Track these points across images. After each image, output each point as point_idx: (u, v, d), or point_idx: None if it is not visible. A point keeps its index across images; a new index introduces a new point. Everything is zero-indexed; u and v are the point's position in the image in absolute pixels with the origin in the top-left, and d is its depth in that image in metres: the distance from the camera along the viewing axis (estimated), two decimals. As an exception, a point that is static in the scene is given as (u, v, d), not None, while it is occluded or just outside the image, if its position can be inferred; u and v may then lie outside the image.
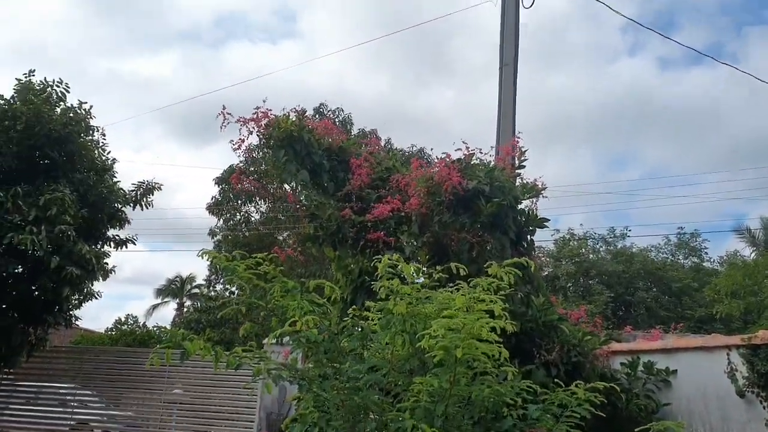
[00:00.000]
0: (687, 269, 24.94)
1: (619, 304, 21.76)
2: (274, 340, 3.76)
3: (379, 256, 3.65)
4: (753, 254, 23.08)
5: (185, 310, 31.84)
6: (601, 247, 24.98)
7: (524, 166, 6.33)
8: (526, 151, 6.26)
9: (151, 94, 44.84)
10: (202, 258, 3.88)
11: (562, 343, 5.58)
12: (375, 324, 3.87)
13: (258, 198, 24.56)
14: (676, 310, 21.30)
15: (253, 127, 6.54)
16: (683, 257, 26.21)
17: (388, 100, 42.01)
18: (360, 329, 3.80)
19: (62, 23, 47.13)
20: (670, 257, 25.85)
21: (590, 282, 22.81)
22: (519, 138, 6.29)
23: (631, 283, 22.15)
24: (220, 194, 24.87)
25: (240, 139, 6.52)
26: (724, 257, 25.83)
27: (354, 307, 3.90)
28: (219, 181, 24.40)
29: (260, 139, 6.66)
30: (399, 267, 3.53)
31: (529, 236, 6.25)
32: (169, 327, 26.47)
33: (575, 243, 24.30)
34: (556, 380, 3.81)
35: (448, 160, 5.85)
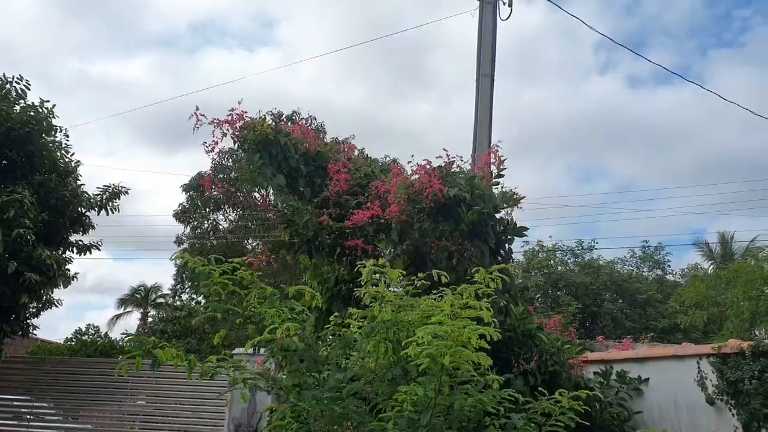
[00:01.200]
0: (651, 281, 25.57)
1: (586, 315, 22.10)
2: (251, 349, 3.62)
3: (363, 262, 3.56)
4: (711, 267, 23.88)
5: (150, 320, 30.91)
6: (569, 259, 25.40)
7: (503, 175, 6.33)
8: (505, 160, 6.27)
9: (121, 98, 43.74)
10: (176, 262, 3.72)
11: (540, 353, 5.56)
12: (355, 332, 3.77)
13: (227, 206, 24.21)
14: (641, 320, 21.76)
15: (228, 130, 6.38)
16: (647, 270, 26.87)
17: (362, 110, 42.10)
18: (339, 337, 3.69)
19: (31, 22, 45.63)
20: (635, 269, 26.49)
21: (558, 293, 23.12)
22: (499, 147, 6.29)
23: (598, 294, 22.54)
24: (187, 201, 24.34)
25: (213, 141, 6.35)
26: (686, 270, 26.64)
27: (336, 314, 3.79)
28: (187, 188, 23.89)
29: (235, 142, 6.50)
30: (385, 271, 3.43)
31: (507, 245, 6.25)
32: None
33: (544, 255, 24.63)
34: (540, 389, 3.77)
35: (428, 167, 5.81)
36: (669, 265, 27.12)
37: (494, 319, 3.12)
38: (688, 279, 24.72)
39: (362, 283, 3.62)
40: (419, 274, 3.89)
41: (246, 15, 52.76)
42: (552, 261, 24.81)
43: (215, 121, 6.23)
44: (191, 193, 24.01)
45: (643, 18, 49.27)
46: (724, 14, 53.83)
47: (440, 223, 5.66)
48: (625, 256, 26.83)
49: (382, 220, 6.00)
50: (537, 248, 24.78)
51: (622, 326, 20.99)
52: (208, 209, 24.78)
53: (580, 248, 25.47)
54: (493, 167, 6.38)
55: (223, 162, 23.57)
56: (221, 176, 21.92)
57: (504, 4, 10.35)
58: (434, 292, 3.75)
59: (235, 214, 25.23)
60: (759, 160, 43.10)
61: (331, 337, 3.68)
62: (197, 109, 6.14)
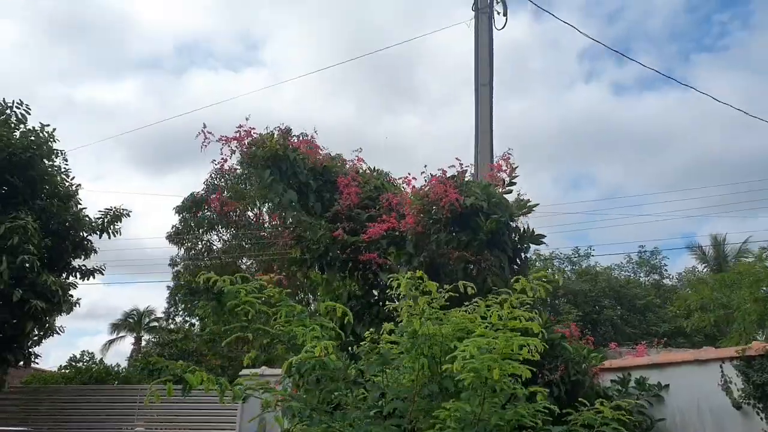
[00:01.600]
0: (648, 286, 25.63)
1: (586, 323, 22.05)
2: (273, 370, 3.50)
3: (396, 275, 3.47)
4: (705, 270, 23.99)
5: (143, 344, 30.39)
6: (567, 266, 25.44)
7: (515, 183, 6.26)
8: (517, 167, 6.22)
9: (108, 122, 43.44)
10: (201, 282, 3.60)
11: (565, 362, 5.46)
12: (387, 347, 3.67)
13: (221, 226, 23.99)
14: (641, 326, 21.75)
15: (236, 146, 6.31)
16: (644, 275, 26.95)
17: (350, 126, 42.13)
18: (377, 354, 3.59)
19: (16, 48, 45.31)
20: (632, 275, 26.54)
21: (557, 302, 23.08)
22: (510, 154, 6.23)
23: (598, 301, 22.53)
24: (180, 223, 24.09)
25: (222, 158, 6.28)
26: (683, 274, 26.74)
27: (371, 330, 3.68)
28: (180, 209, 23.66)
29: (244, 158, 6.42)
30: (424, 283, 3.34)
31: (523, 254, 6.17)
32: (126, 363, 25.15)
33: (542, 263, 24.64)
34: (581, 400, 3.67)
35: (443, 176, 5.74)
36: (666, 270, 27.26)
37: (543, 330, 3.03)
38: (685, 282, 24.81)
39: (375, 298, 3.53)
40: (445, 286, 3.81)
41: (230, 36, 52.92)
42: (549, 269, 24.82)
43: (223, 138, 6.16)
44: (184, 214, 23.79)
45: (625, 23, 50.02)
46: (704, 19, 54.87)
47: (457, 234, 5.57)
48: (621, 262, 26.95)
49: (397, 233, 5.91)
50: (534, 257, 24.79)
51: (622, 333, 20.95)
52: (201, 230, 24.56)
53: (576, 255, 25.54)
54: (504, 174, 6.32)
55: (216, 182, 23.44)
56: (213, 196, 21.71)
57: (498, 13, 10.43)
58: (466, 304, 3.66)
59: (229, 234, 25.03)
60: (747, 162, 43.73)
61: (370, 354, 3.55)
62: (204, 126, 6.08)
